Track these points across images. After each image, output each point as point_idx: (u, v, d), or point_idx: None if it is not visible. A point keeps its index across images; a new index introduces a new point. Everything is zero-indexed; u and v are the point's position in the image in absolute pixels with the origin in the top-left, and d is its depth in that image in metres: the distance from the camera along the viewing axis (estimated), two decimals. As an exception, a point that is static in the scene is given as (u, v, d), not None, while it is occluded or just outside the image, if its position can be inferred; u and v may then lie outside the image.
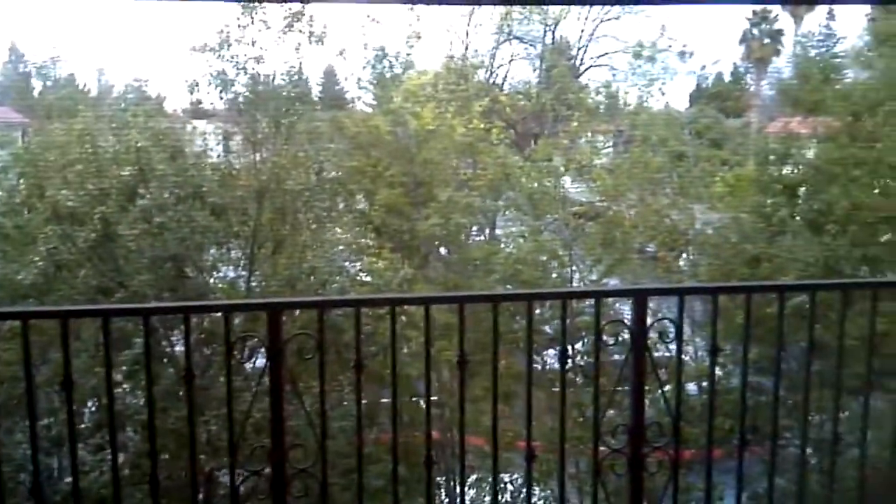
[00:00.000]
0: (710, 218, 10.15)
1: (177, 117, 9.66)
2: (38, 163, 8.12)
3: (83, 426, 7.10)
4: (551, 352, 8.87)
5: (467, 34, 12.26)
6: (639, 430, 2.84)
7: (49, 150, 8.23)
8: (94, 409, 7.60)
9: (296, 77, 9.50)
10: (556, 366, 3.15)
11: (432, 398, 3.18)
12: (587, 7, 12.25)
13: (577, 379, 5.93)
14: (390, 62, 10.21)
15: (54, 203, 7.51)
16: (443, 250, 10.44)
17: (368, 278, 9.15)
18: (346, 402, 7.00)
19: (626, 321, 2.89)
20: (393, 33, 10.28)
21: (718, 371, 3.32)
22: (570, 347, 4.25)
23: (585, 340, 8.18)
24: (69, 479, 6.65)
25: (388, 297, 5.83)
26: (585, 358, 7.82)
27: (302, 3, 8.81)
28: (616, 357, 3.09)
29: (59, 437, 6.64)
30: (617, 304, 6.10)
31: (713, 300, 3.02)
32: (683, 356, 3.06)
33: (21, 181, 8.77)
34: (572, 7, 11.88)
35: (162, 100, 10.94)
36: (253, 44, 9.07)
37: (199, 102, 10.58)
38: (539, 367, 9.59)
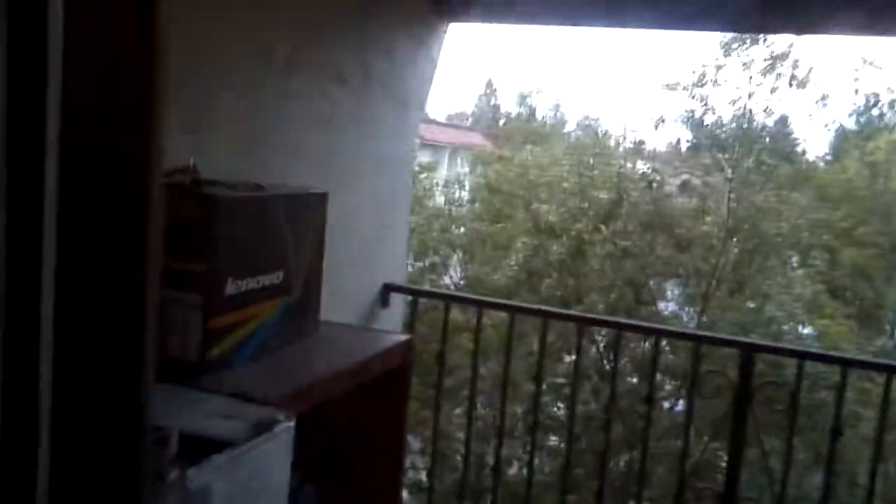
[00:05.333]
0: None
1: (636, 152, 9.96)
2: (523, 181, 8.94)
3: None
4: None
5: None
6: None
7: (530, 170, 9.06)
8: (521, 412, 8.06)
9: (767, 120, 9.15)
10: None
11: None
12: None
13: None
14: (881, 110, 9.22)
15: (535, 216, 8.22)
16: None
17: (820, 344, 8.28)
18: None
19: None
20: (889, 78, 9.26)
21: None
22: None
23: None
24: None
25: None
26: None
27: (796, 34, 8.41)
28: None
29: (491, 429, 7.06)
30: None
31: None
32: None
33: (496, 197, 9.80)
34: None
35: (611, 135, 11.42)
36: (729, 84, 8.97)
37: (642, 142, 10.84)
38: None
